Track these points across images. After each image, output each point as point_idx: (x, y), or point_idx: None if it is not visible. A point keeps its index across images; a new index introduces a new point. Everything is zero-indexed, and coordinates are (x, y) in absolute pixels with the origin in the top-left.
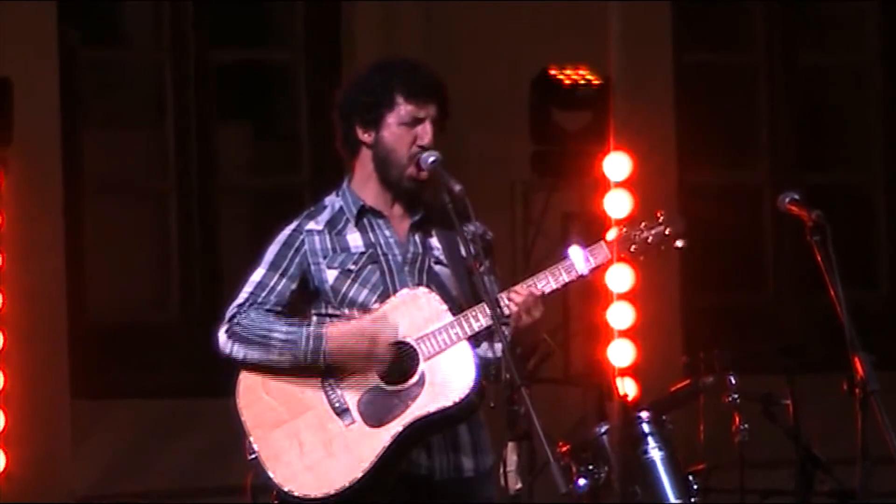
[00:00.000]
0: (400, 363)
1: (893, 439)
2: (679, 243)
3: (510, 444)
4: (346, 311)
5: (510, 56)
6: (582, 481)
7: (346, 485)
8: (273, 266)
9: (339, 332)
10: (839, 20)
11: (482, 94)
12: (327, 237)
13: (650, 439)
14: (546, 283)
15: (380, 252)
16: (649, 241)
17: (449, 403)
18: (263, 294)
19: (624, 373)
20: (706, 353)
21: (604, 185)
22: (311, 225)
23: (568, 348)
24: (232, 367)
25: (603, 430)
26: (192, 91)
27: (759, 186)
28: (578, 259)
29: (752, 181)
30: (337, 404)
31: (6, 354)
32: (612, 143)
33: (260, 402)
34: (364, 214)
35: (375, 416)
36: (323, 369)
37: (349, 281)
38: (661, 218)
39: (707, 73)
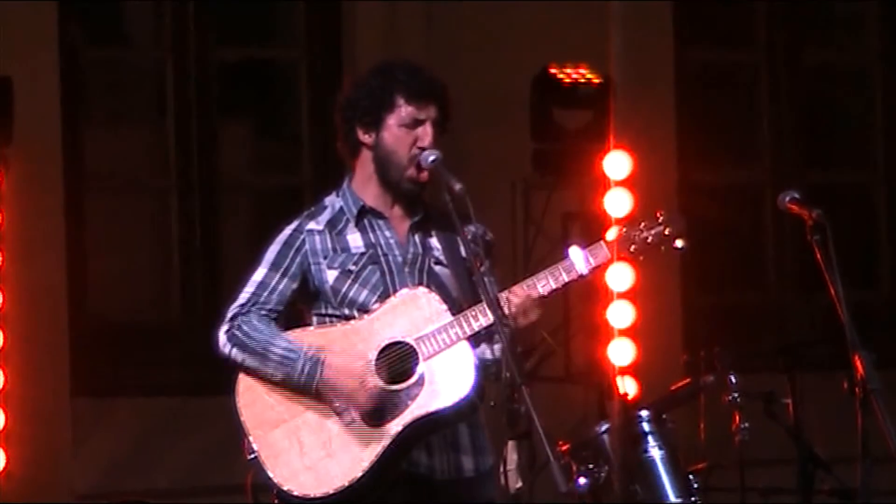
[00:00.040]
0: (400, 363)
1: (894, 438)
2: (679, 243)
3: (510, 443)
4: (346, 311)
5: (511, 55)
6: (582, 480)
7: (346, 484)
8: (274, 266)
9: (335, 368)
10: (840, 19)
11: (482, 93)
12: (328, 237)
13: (650, 438)
14: (546, 283)
15: (380, 252)
16: (649, 241)
17: (448, 403)
18: (265, 294)
19: (624, 372)
20: (707, 351)
21: (604, 183)
22: (312, 225)
23: (568, 347)
24: (231, 367)
25: (603, 428)
26: (193, 90)
27: (759, 185)
28: (578, 259)
29: (753, 180)
30: (336, 404)
31: (6, 353)
32: (613, 142)
33: (259, 401)
34: (364, 215)
35: (375, 415)
36: (312, 393)
37: (349, 281)
38: (661, 218)
39: (708, 71)
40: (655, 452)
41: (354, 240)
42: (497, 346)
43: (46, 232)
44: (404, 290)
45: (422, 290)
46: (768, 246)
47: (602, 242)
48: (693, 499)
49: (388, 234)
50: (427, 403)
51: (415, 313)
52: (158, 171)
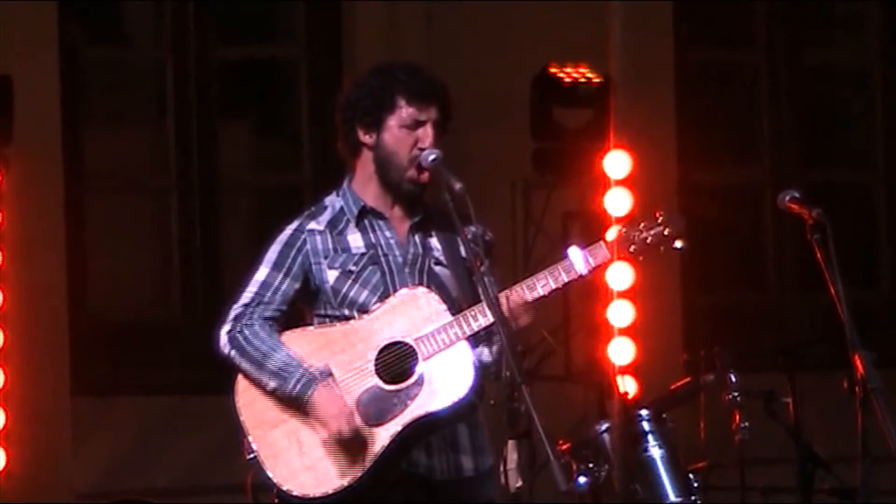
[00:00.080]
0: (399, 363)
1: (894, 438)
2: (678, 244)
3: (510, 443)
4: (346, 311)
5: (511, 54)
6: (582, 479)
7: (346, 484)
8: (276, 266)
9: (326, 396)
10: (840, 19)
11: (483, 92)
12: (328, 237)
13: (650, 437)
14: (545, 283)
15: (380, 253)
16: (648, 241)
17: (448, 403)
18: (268, 294)
19: (624, 371)
20: (707, 351)
21: (604, 183)
22: (313, 225)
23: (568, 346)
24: (230, 366)
25: (603, 428)
26: (193, 89)
27: (760, 185)
28: (578, 259)
29: (753, 179)
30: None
31: (7, 352)
32: (613, 141)
33: (259, 401)
34: (365, 215)
35: (374, 415)
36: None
37: (350, 281)
38: (661, 218)
39: (708, 71)
40: (655, 451)
41: (355, 240)
42: (496, 349)
43: (46, 232)
44: (404, 290)
45: (421, 290)
46: (768, 246)
47: (601, 243)
48: (693, 498)
49: (388, 234)
50: (426, 403)
51: (414, 313)
52: (158, 171)
